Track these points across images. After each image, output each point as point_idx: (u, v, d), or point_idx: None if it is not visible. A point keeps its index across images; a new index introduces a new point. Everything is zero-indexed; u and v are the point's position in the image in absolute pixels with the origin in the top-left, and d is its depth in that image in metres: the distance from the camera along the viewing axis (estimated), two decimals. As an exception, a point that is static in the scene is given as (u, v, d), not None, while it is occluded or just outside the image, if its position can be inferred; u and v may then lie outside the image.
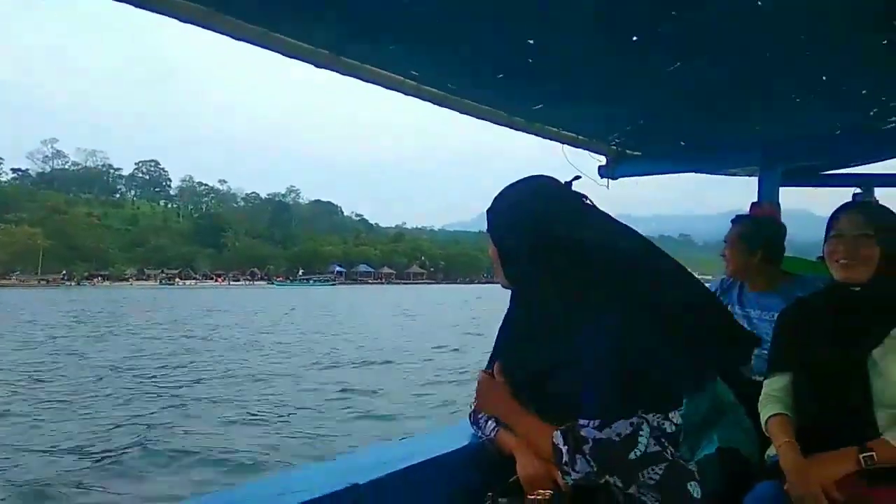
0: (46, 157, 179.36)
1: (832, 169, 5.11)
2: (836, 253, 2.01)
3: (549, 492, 1.51)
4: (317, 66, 2.27)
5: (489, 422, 1.74)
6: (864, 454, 1.81)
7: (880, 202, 5.48)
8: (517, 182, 1.62)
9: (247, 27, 2.04)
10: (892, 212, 2.04)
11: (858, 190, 5.38)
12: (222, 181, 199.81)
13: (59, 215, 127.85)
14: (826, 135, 4.11)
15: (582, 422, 1.42)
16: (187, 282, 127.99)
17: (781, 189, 5.05)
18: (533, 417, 1.56)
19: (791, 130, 3.97)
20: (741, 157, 3.53)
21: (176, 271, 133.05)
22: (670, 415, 1.43)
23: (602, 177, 3.77)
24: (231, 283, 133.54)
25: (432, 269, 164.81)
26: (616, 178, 3.77)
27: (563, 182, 1.60)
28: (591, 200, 1.58)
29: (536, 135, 3.28)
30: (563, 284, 1.51)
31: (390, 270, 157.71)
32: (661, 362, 1.42)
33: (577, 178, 1.62)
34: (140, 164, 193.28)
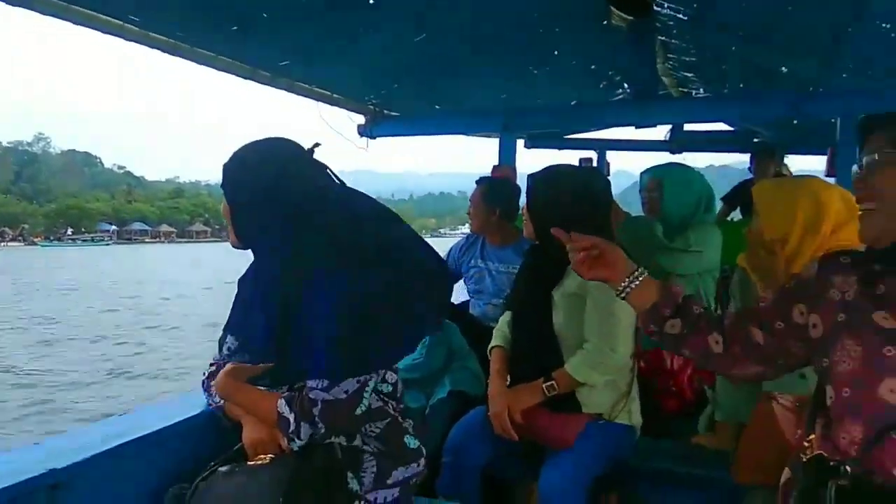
0: None
1: (572, 134, 5.69)
2: None
3: (269, 456, 1.52)
4: (9, 3, 1.97)
5: None
6: (547, 383, 2.04)
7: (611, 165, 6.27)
8: (255, 143, 1.56)
9: None
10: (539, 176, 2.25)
11: (585, 155, 6.08)
12: None
13: None
14: (561, 105, 4.53)
15: (311, 383, 1.43)
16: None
17: (533, 150, 5.53)
18: (256, 389, 1.55)
19: (530, 100, 4.33)
20: (486, 121, 3.78)
21: None
22: (387, 375, 1.54)
23: (361, 136, 3.80)
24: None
25: (217, 227, 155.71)
26: (374, 138, 3.81)
27: (304, 148, 1.57)
28: (330, 170, 1.58)
29: (285, 90, 3.18)
30: (290, 247, 1.49)
31: (170, 229, 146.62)
32: (381, 325, 1.45)
33: (318, 145, 1.60)
34: None
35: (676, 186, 2.83)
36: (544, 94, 4.45)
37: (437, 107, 4.08)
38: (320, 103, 3.47)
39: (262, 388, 1.57)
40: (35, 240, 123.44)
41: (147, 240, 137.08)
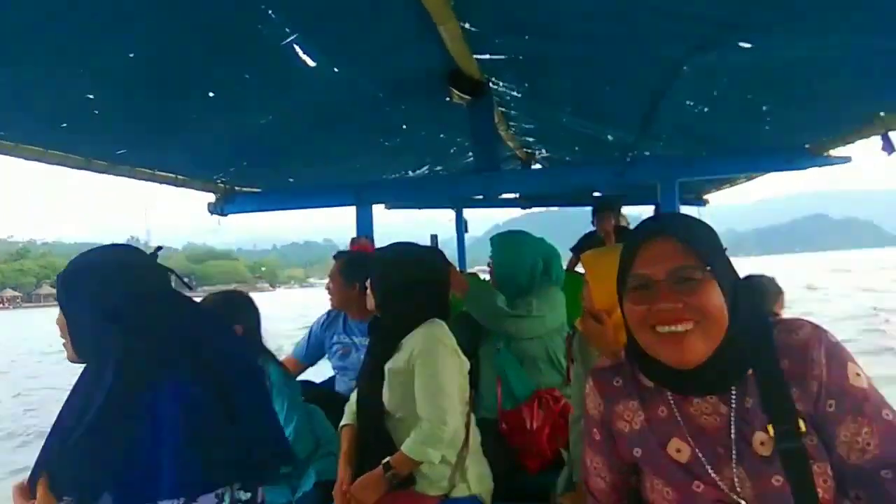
0: None
1: (425, 200, 5.86)
2: None
3: None
4: None
5: None
6: (389, 472, 2.06)
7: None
8: (92, 252, 1.51)
9: None
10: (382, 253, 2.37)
11: (452, 214, 6.28)
12: None
13: None
14: (413, 175, 4.69)
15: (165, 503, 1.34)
16: None
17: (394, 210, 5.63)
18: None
19: (383, 171, 4.44)
20: (340, 195, 3.79)
21: None
22: (245, 483, 1.45)
23: (212, 213, 3.71)
24: None
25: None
26: (226, 215, 3.73)
27: (145, 254, 1.53)
28: (176, 275, 1.56)
29: (125, 176, 3.05)
30: (126, 360, 1.41)
31: (15, 293, 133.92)
32: (224, 438, 1.41)
33: (160, 248, 1.58)
34: None
35: (502, 252, 2.98)
36: (396, 164, 4.56)
37: (290, 180, 4.06)
38: (164, 185, 3.35)
39: None
40: None
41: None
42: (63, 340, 1.53)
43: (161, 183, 3.32)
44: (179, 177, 3.40)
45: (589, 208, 5.71)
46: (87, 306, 1.45)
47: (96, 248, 1.53)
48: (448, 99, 3.13)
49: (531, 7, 2.18)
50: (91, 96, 2.17)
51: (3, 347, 29.84)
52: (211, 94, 2.42)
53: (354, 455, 2.22)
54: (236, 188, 3.82)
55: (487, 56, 2.78)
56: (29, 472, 1.48)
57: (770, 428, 1.07)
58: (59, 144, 2.60)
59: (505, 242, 3.03)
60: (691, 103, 2.85)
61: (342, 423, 2.33)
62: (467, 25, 2.35)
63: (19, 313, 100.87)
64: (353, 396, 2.35)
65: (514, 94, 3.52)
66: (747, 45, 1.93)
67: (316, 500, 2.44)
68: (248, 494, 1.48)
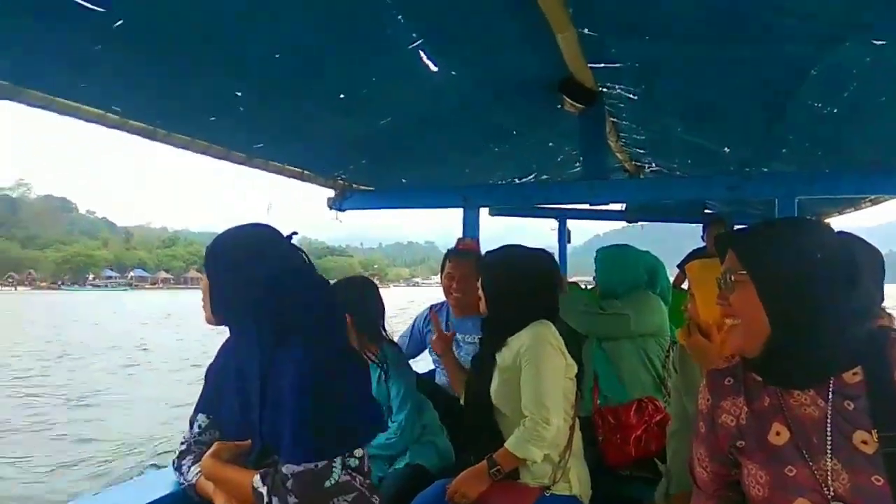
0: None
1: (534, 204, 5.76)
2: None
3: None
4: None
5: (192, 467, 1.64)
6: (493, 469, 2.04)
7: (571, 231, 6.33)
8: (240, 228, 1.61)
9: None
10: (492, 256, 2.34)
11: (555, 224, 6.14)
12: None
13: None
14: (520, 181, 4.62)
15: (283, 457, 1.41)
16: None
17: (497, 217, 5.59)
18: (234, 467, 1.51)
19: (490, 176, 4.40)
20: (449, 196, 3.80)
21: None
22: (355, 451, 1.49)
23: (331, 209, 3.81)
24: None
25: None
26: (344, 211, 3.83)
27: (282, 234, 1.61)
28: (306, 256, 1.61)
29: (258, 168, 3.20)
30: (262, 328, 1.50)
31: (168, 275, 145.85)
32: (349, 405, 1.46)
33: (295, 233, 1.64)
34: None
35: (605, 264, 3.04)
36: (504, 169, 4.52)
37: (403, 181, 4.12)
38: (291, 179, 3.48)
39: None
40: (41, 284, 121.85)
41: (147, 286, 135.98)
42: (203, 304, 1.61)
43: (288, 177, 3.46)
44: (305, 172, 3.53)
45: (696, 224, 5.42)
46: (230, 274, 1.54)
47: (241, 225, 1.62)
48: (559, 107, 3.07)
49: (650, 11, 2.08)
50: (238, 93, 2.29)
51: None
52: (342, 96, 2.49)
53: (458, 439, 2.32)
54: (354, 185, 3.91)
55: (602, 64, 2.68)
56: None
57: (874, 431, 1.08)
58: (206, 135, 2.76)
59: (610, 255, 3.05)
60: (818, 111, 2.62)
61: None
62: (586, 31, 2.27)
63: (171, 293, 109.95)
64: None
65: (627, 103, 3.38)
66: (881, 43, 1.74)
67: (403, 477, 2.46)
68: (356, 461, 1.51)
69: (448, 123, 3.16)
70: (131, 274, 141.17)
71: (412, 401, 2.60)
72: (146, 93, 2.27)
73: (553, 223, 6.17)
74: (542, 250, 2.55)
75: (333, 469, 1.43)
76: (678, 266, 5.56)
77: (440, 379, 3.16)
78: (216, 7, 1.73)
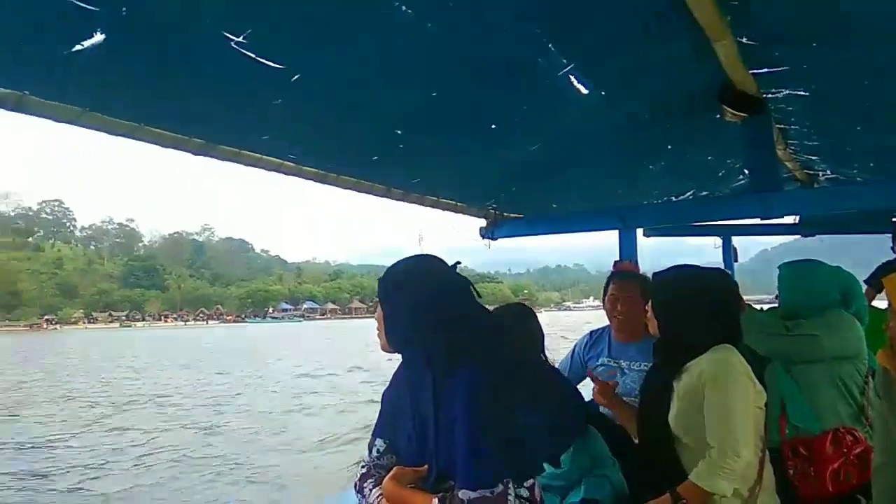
0: None
1: (692, 222, 5.41)
2: None
3: None
4: (194, 154, 2.25)
5: (373, 490, 1.70)
6: (678, 502, 1.89)
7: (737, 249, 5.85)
8: (411, 259, 1.69)
9: (120, 123, 2.00)
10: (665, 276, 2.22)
11: (719, 241, 5.73)
12: (129, 219, 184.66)
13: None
14: (678, 199, 4.38)
15: (458, 483, 1.44)
16: (137, 324, 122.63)
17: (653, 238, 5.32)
18: (413, 491, 1.56)
19: (646, 195, 4.22)
20: (603, 219, 3.69)
21: (123, 314, 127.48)
22: (525, 482, 1.50)
23: (483, 237, 3.86)
24: (185, 322, 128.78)
25: (370, 304, 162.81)
26: (495, 239, 3.86)
27: (448, 264, 1.68)
28: (473, 287, 1.67)
29: (415, 203, 3.34)
30: (438, 356, 1.55)
31: (335, 306, 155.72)
32: (523, 436, 1.47)
33: (458, 263, 1.71)
34: (45, 204, 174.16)
35: (791, 281, 2.72)
36: (661, 187, 4.32)
37: (553, 206, 4.08)
38: (446, 211, 3.58)
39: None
40: (228, 318, 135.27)
41: (317, 317, 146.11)
42: (378, 332, 1.69)
43: (443, 209, 3.56)
44: (458, 203, 3.62)
45: (882, 235, 4.80)
46: (403, 303, 1.61)
47: (411, 256, 1.70)
48: (719, 117, 2.89)
49: (818, 10, 1.91)
50: (399, 131, 2.40)
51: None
52: (493, 126, 2.54)
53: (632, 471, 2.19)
54: (504, 214, 3.94)
55: (766, 69, 2.50)
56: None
57: None
58: (370, 174, 2.94)
59: (797, 271, 2.75)
60: None
61: None
62: (744, 40, 2.14)
63: (337, 322, 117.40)
64: None
65: (796, 107, 3.11)
66: None
67: None
68: (527, 491, 1.52)
69: (600, 144, 3.10)
70: (305, 306, 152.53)
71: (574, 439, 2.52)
72: (318, 139, 2.47)
73: (716, 240, 5.75)
74: (718, 269, 2.39)
75: (508, 497, 1.42)
76: (866, 281, 4.91)
77: (604, 408, 3.05)
78: (374, 56, 1.85)
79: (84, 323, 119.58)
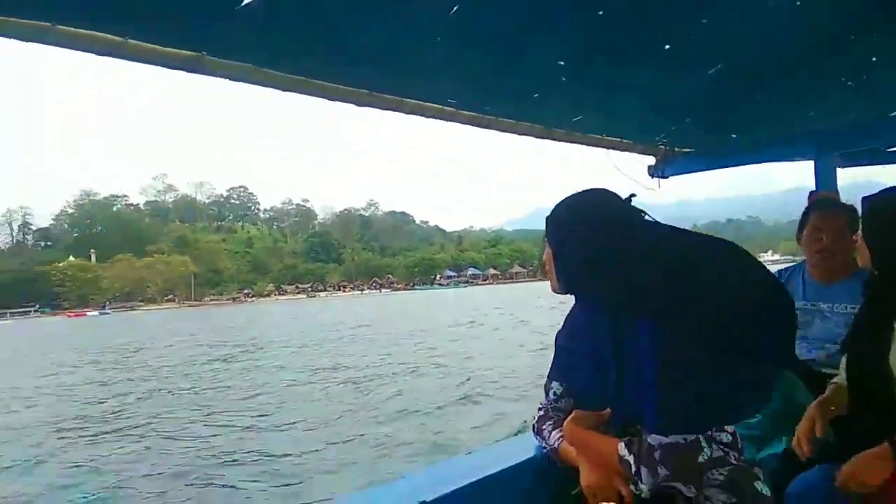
0: (159, 190, 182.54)
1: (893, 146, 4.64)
2: None
3: (609, 503, 1.45)
4: (357, 104, 2.30)
5: (553, 432, 1.69)
6: None
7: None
8: (579, 193, 1.58)
9: (286, 77, 2.09)
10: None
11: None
12: (305, 200, 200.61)
13: (196, 244, 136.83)
14: (882, 118, 3.75)
15: (648, 427, 1.37)
16: (321, 294, 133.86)
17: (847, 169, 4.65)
18: (596, 434, 1.50)
19: (845, 116, 3.65)
20: (795, 147, 3.25)
21: (308, 285, 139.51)
22: (726, 427, 1.37)
23: (652, 177, 3.58)
24: (361, 291, 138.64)
25: (530, 269, 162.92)
26: (666, 178, 3.57)
27: (622, 196, 1.55)
28: (649, 216, 1.51)
29: (577, 143, 3.16)
30: (614, 293, 1.45)
31: (496, 272, 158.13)
32: (720, 373, 1.33)
33: (633, 195, 1.56)
34: (232, 191, 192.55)
35: None
36: (858, 110, 3.73)
37: (733, 136, 3.67)
38: (610, 150, 3.37)
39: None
40: (398, 286, 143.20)
41: (479, 282, 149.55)
42: (548, 273, 1.62)
43: (607, 148, 3.35)
44: (624, 140, 3.38)
45: None
46: (573, 241, 1.51)
47: (578, 192, 1.58)
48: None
49: None
50: (561, 62, 2.23)
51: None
52: (667, 47, 2.30)
53: (839, 420, 1.90)
54: (675, 149, 3.62)
55: None
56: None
57: None
58: (528, 115, 2.82)
59: None
60: None
61: (834, 380, 2.02)
62: None
63: (495, 287, 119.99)
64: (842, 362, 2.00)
65: None
66: None
67: (778, 463, 2.13)
68: (728, 436, 1.37)
69: (791, 63, 2.71)
70: (470, 272, 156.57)
71: (777, 377, 2.28)
72: (477, 79, 2.38)
73: None
74: None
75: (704, 444, 1.31)
76: None
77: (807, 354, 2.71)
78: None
79: (275, 295, 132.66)
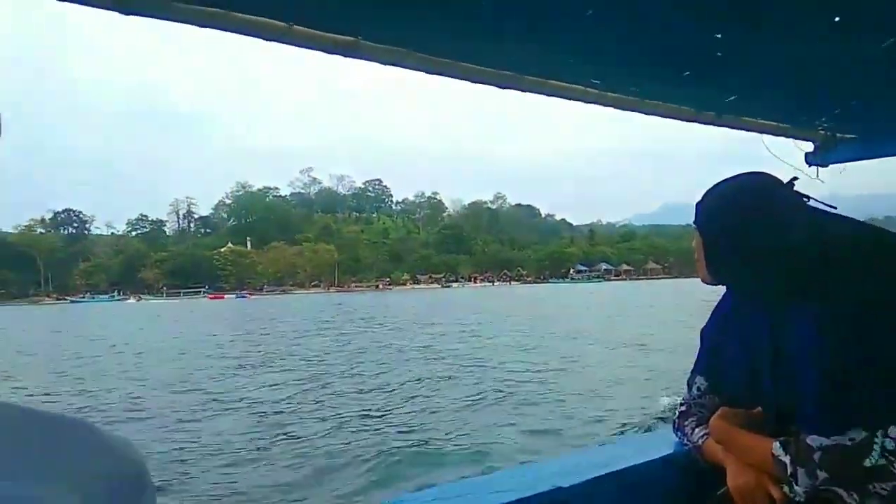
0: (305, 183, 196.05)
1: None
2: None
3: None
4: (500, 87, 2.32)
5: (696, 429, 1.63)
6: None
7: None
8: (734, 178, 1.50)
9: (435, 60, 2.14)
10: None
11: None
12: (435, 192, 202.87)
13: (339, 233, 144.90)
14: None
15: (807, 428, 1.28)
16: (454, 284, 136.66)
17: None
18: (746, 433, 1.43)
19: None
20: None
21: (441, 276, 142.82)
22: (890, 431, 1.23)
23: (810, 165, 3.25)
24: (493, 283, 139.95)
25: (666, 265, 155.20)
26: (826, 166, 3.23)
27: (783, 181, 1.46)
28: (813, 199, 1.43)
29: (728, 127, 2.94)
30: (766, 284, 1.38)
31: (629, 267, 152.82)
32: (885, 370, 1.22)
33: (796, 178, 1.48)
34: (367, 183, 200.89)
35: None
36: None
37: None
38: (763, 135, 3.11)
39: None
40: (528, 279, 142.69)
41: (612, 277, 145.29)
42: (697, 262, 1.54)
43: (760, 132, 3.09)
44: (780, 124, 3.11)
45: None
46: (727, 229, 1.43)
47: (735, 175, 1.49)
48: None
49: None
50: (718, 35, 2.09)
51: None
52: (836, 19, 2.10)
53: None
54: (838, 134, 3.27)
55: None
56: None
57: None
58: (676, 96, 2.68)
59: None
60: None
61: None
62: None
63: (632, 283, 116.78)
64: None
65: None
66: None
67: None
68: (893, 443, 1.23)
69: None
70: (603, 266, 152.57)
71: None
72: (622, 64, 2.31)
73: None
74: None
75: (874, 446, 1.19)
76: None
77: None
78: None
79: (410, 284, 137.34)
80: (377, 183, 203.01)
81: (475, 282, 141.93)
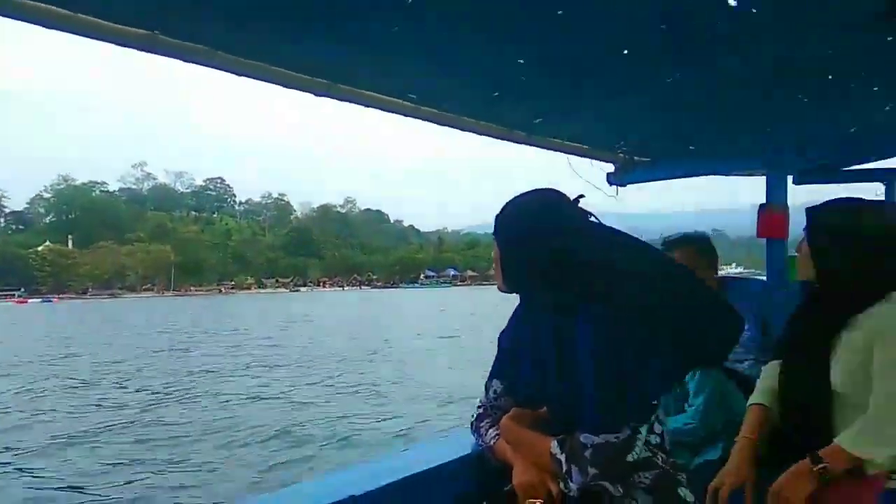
0: (138, 178, 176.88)
1: (849, 166, 4.71)
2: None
3: (539, 501, 1.43)
4: (315, 94, 2.27)
5: (490, 430, 1.66)
6: (819, 466, 1.61)
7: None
8: (527, 193, 1.57)
9: (246, 62, 2.05)
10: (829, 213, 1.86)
11: (881, 188, 4.94)
12: (282, 194, 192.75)
13: (175, 233, 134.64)
14: (837, 134, 3.79)
15: (582, 426, 1.35)
16: (302, 289, 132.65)
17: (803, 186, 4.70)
18: (532, 432, 1.48)
19: (800, 132, 3.69)
20: (749, 160, 3.27)
21: (288, 280, 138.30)
22: (654, 426, 1.37)
23: (611, 184, 3.58)
24: (342, 288, 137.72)
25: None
26: (625, 185, 3.58)
27: (570, 198, 1.54)
28: (595, 217, 1.52)
29: (538, 146, 3.15)
30: (554, 291, 1.45)
31: (474, 273, 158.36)
32: (654, 367, 1.34)
33: (582, 196, 1.56)
34: (208, 181, 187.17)
35: None
36: (816, 123, 3.77)
37: (690, 147, 3.70)
38: (570, 155, 3.36)
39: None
40: (377, 283, 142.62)
41: (458, 283, 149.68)
42: (495, 271, 1.60)
43: (568, 153, 3.34)
44: (585, 146, 3.38)
45: None
46: (519, 241, 1.51)
47: (527, 191, 1.57)
48: (890, 39, 2.43)
49: None
50: (521, 61, 2.18)
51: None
52: (625, 52, 2.28)
53: (766, 440, 1.84)
54: (635, 157, 3.63)
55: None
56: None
57: None
58: (488, 115, 2.80)
59: None
60: None
61: (752, 400, 1.93)
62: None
63: (474, 289, 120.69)
64: (771, 371, 1.94)
65: None
66: None
67: (713, 470, 2.15)
68: (657, 437, 1.38)
69: (754, 78, 2.72)
70: (451, 272, 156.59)
71: (711, 385, 2.32)
72: (437, 74, 2.34)
73: (877, 188, 4.94)
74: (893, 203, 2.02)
75: (636, 442, 1.31)
76: None
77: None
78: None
79: (255, 288, 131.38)
80: (219, 181, 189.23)
81: (324, 286, 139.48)
